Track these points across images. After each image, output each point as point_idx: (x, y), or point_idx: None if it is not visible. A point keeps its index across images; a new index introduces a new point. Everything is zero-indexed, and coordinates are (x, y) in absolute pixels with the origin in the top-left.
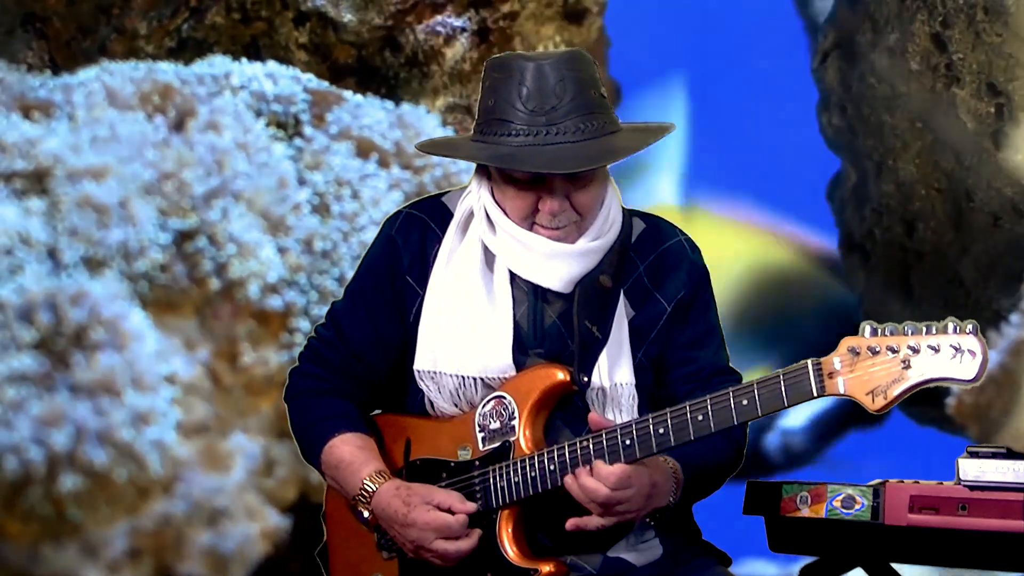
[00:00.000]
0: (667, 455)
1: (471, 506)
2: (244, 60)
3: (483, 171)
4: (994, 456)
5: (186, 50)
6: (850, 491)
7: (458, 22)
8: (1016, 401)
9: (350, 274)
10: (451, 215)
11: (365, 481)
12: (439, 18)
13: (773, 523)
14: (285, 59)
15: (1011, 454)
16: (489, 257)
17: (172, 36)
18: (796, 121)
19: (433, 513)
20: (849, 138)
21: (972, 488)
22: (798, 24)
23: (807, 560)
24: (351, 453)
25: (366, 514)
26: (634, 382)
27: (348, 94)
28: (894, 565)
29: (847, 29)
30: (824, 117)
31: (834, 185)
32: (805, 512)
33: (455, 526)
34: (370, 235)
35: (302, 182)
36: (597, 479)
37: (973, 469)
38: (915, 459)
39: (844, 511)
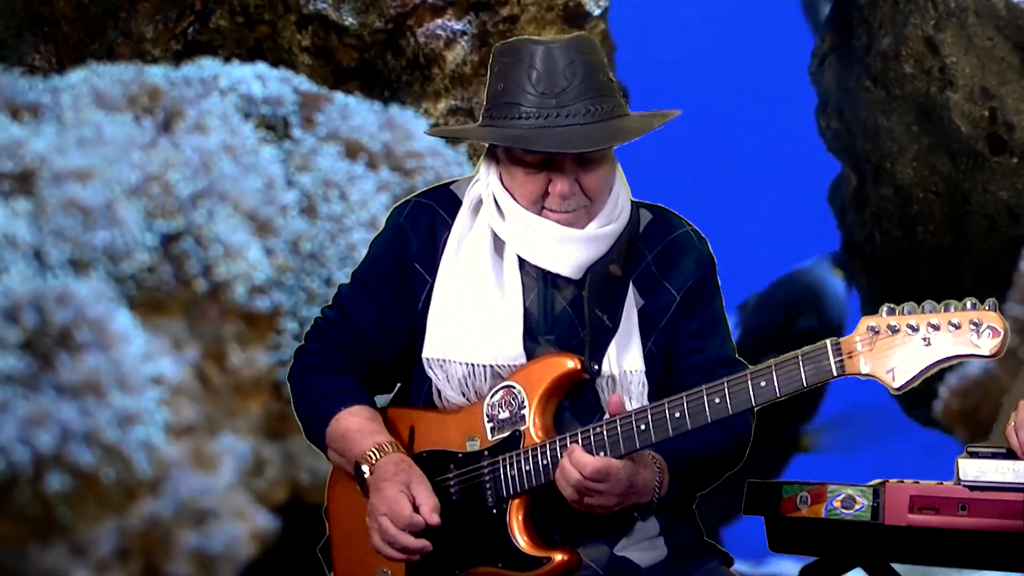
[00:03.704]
0: (654, 451)
1: (435, 520)
2: (235, 62)
3: (491, 157)
4: (994, 456)
5: (191, 53)
6: (850, 491)
7: (458, 25)
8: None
9: (338, 275)
10: (460, 202)
11: (381, 444)
12: (439, 22)
13: (773, 523)
14: (288, 62)
15: (1011, 454)
16: (498, 244)
17: (178, 39)
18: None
19: (401, 496)
20: (847, 141)
21: (972, 488)
22: (805, 29)
23: (807, 560)
24: (359, 423)
25: (367, 473)
26: (644, 369)
27: (338, 95)
28: (894, 565)
29: (843, 33)
30: (823, 120)
31: (835, 188)
32: (805, 512)
33: (405, 517)
34: (358, 236)
35: (290, 183)
36: (576, 465)
37: (973, 469)
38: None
39: (844, 511)
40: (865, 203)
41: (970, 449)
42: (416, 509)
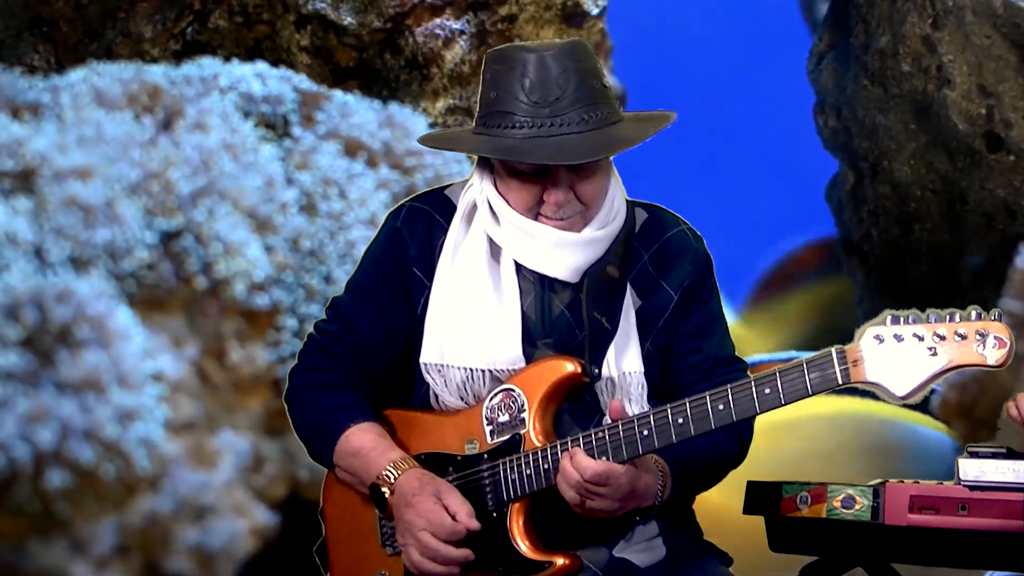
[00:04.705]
0: (658, 454)
1: (475, 524)
2: (235, 61)
3: (485, 164)
4: (994, 456)
5: (190, 53)
6: (850, 491)
7: (457, 25)
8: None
9: (337, 273)
10: (455, 207)
11: (396, 462)
12: (437, 21)
13: (773, 523)
14: (287, 62)
15: (1011, 454)
16: (495, 249)
17: (177, 39)
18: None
19: (437, 507)
20: (845, 140)
21: (972, 488)
22: (803, 28)
23: (807, 560)
24: (372, 440)
25: (387, 493)
26: (643, 371)
27: (337, 94)
28: (894, 565)
29: (841, 31)
30: (820, 119)
31: (832, 186)
32: (805, 512)
33: (447, 527)
34: (357, 234)
35: (290, 181)
36: (577, 468)
37: (973, 469)
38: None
39: (844, 511)
40: (863, 201)
41: (970, 449)
42: (453, 518)
